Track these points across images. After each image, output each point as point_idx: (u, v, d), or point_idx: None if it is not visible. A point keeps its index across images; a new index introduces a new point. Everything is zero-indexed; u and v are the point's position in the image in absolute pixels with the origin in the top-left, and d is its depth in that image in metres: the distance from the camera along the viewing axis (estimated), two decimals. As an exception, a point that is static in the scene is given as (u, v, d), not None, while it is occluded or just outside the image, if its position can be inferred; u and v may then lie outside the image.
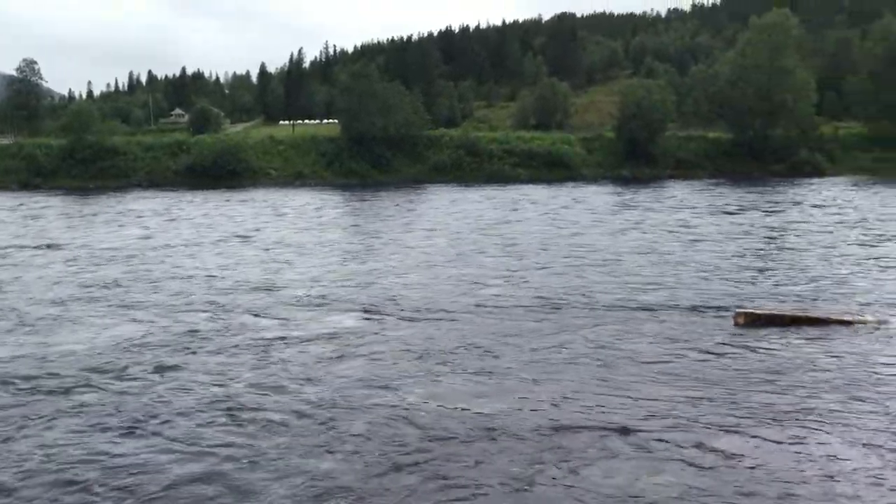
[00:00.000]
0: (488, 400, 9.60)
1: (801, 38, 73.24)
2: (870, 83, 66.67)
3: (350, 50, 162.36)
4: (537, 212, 34.69)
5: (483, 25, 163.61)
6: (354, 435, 8.51)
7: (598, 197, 43.07)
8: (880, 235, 24.67)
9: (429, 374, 10.72)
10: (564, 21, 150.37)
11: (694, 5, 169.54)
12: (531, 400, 9.58)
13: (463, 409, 9.26)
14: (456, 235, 26.68)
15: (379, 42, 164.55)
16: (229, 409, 9.34)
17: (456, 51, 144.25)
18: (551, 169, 61.11)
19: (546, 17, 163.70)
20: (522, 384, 10.21)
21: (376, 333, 13.02)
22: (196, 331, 13.25)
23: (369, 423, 8.85)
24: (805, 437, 8.30)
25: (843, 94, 75.56)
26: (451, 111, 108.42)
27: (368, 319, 14.05)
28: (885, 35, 67.70)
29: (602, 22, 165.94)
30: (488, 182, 57.43)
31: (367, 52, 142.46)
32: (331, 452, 8.08)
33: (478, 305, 15.07)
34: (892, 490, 7.09)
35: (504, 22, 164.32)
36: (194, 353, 11.89)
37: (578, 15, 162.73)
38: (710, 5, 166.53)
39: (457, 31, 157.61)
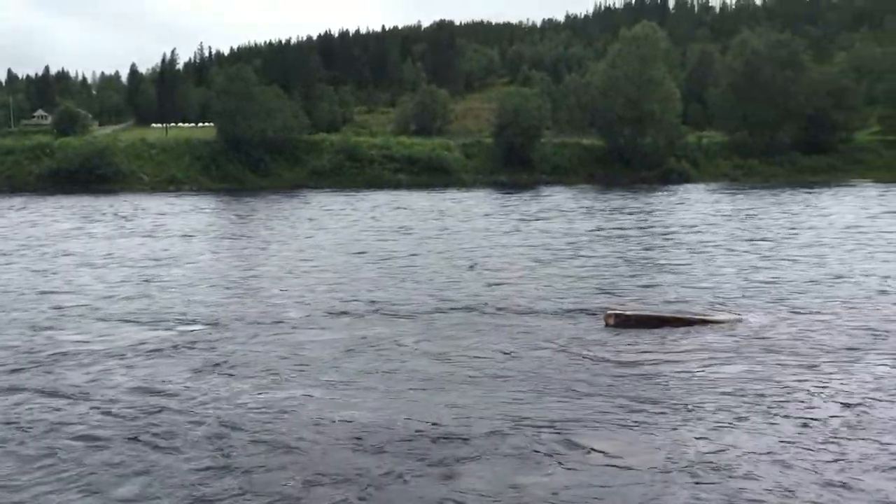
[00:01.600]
0: (358, 409, 9.49)
1: (667, 51, 76.80)
2: (730, 95, 70.51)
3: (226, 52, 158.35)
4: (412, 216, 34.81)
5: (363, 30, 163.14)
6: (192, 446, 8.22)
7: (475, 201, 43.66)
8: (739, 238, 26.06)
9: (281, 382, 10.51)
10: (443, 28, 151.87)
11: (567, 16, 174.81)
12: (404, 407, 9.53)
13: (322, 418, 9.10)
14: (323, 242, 26.41)
15: (256, 44, 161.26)
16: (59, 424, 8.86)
17: (336, 55, 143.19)
18: (431, 174, 61.56)
19: (425, 23, 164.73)
20: (390, 391, 10.16)
21: (214, 343, 12.68)
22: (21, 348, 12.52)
23: (209, 435, 8.57)
24: (673, 432, 8.61)
25: (707, 105, 79.68)
26: (331, 116, 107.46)
27: (205, 329, 13.63)
28: (743, 50, 71.82)
29: (480, 30, 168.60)
30: (369, 187, 57.25)
31: (244, 55, 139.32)
32: (162, 468, 7.76)
33: (343, 313, 14.93)
34: (753, 479, 7.43)
35: (384, 28, 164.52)
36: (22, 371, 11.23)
37: (457, 23, 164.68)
38: (582, 17, 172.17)
39: (336, 35, 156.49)
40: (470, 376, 10.70)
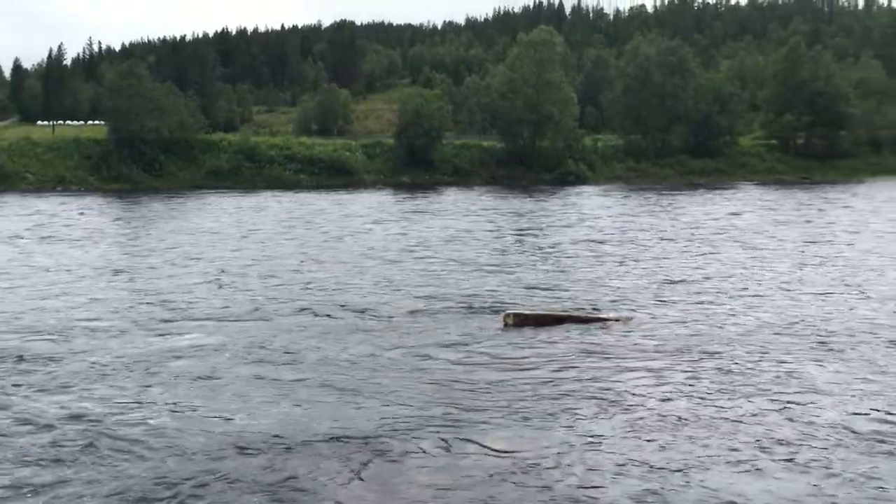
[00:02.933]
0: (245, 415, 9.47)
1: (564, 55, 78.60)
2: (624, 99, 72.78)
3: (117, 48, 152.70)
4: (310, 217, 34.58)
5: (262, 29, 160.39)
6: (88, 460, 8.08)
7: (376, 202, 43.67)
8: (632, 239, 26.97)
9: (149, 391, 10.40)
10: (344, 28, 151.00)
11: (468, 19, 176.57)
12: (298, 412, 9.56)
13: (206, 427, 9.06)
14: (215, 245, 25.98)
15: (150, 41, 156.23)
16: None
17: (233, 53, 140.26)
18: (333, 175, 61.12)
19: (326, 23, 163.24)
20: (286, 397, 10.17)
21: (100, 353, 12.41)
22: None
23: (55, 442, 8.43)
24: (563, 429, 8.95)
25: (602, 109, 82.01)
26: (229, 115, 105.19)
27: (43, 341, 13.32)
28: (636, 56, 74.23)
29: (381, 31, 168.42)
30: (269, 188, 56.38)
31: (137, 51, 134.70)
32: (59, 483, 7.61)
33: (231, 319, 14.80)
34: (649, 473, 7.82)
35: (283, 26, 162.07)
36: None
37: (358, 23, 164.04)
38: (482, 20, 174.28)
39: (234, 33, 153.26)
40: (369, 378, 10.81)
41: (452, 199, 46.01)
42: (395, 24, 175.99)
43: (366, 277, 19.03)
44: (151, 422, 9.11)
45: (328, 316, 14.73)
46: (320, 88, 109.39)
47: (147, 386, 10.50)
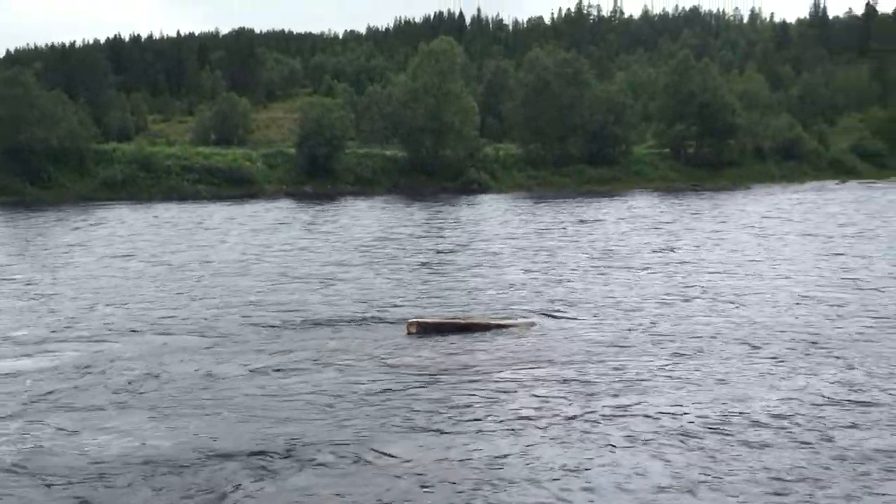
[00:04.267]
0: (142, 432, 9.28)
1: (464, 65, 79.55)
2: (523, 109, 74.18)
3: (1, 54, 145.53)
4: (211, 229, 33.87)
5: (157, 36, 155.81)
6: None
7: (277, 212, 43.10)
8: (533, 246, 27.59)
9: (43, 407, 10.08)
10: (243, 36, 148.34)
11: (369, 28, 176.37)
12: (198, 429, 9.42)
13: (106, 443, 8.84)
14: (106, 258, 25.21)
15: (36, 47, 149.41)
16: None
17: (127, 61, 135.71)
18: (233, 185, 59.98)
19: (224, 31, 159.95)
20: (181, 412, 10.00)
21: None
22: None
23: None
24: (473, 437, 9.10)
25: (502, 118, 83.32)
26: (123, 124, 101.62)
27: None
28: (534, 66, 75.83)
29: (281, 39, 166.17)
30: (166, 199, 54.85)
31: (22, 57, 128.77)
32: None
33: (111, 333, 14.43)
34: (551, 481, 8.03)
35: (179, 34, 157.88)
36: None
37: (257, 31, 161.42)
38: (383, 29, 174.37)
39: (127, 39, 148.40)
40: (269, 392, 10.72)
41: (354, 208, 45.86)
42: (295, 33, 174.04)
43: (265, 288, 18.79)
44: (4, 448, 8.78)
45: (226, 330, 14.50)
46: (219, 97, 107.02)
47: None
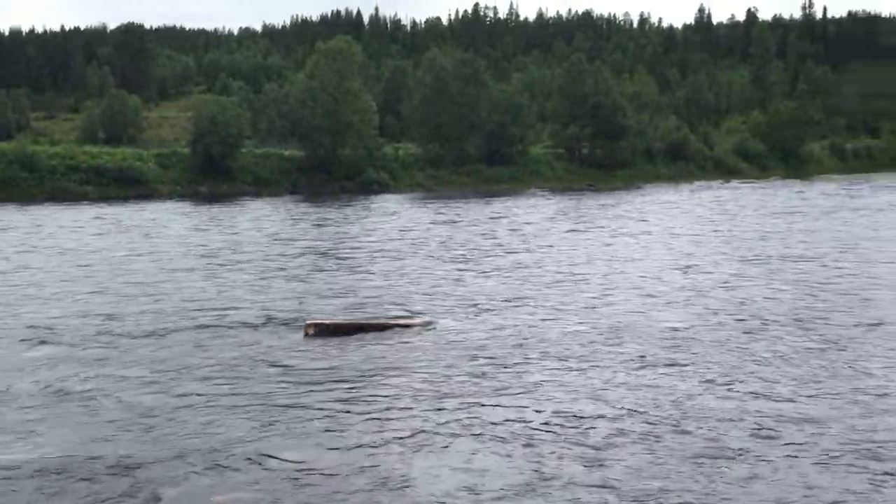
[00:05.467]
0: (46, 439, 8.97)
1: (363, 65, 79.29)
2: (422, 109, 74.53)
3: None
4: (98, 234, 32.66)
5: (39, 30, 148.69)
6: None
7: (171, 214, 41.93)
8: (432, 245, 27.78)
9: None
10: (132, 32, 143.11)
11: (265, 26, 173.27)
12: (89, 437, 9.16)
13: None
14: None
15: None
16: None
17: (6, 55, 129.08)
18: (123, 186, 57.83)
19: (112, 25, 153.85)
20: (71, 422, 9.70)
21: None
22: None
23: None
24: (373, 438, 9.17)
25: (401, 118, 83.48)
26: (3, 121, 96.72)
27: None
28: (432, 66, 76.28)
29: (173, 36, 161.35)
30: (51, 200, 52.46)
31: None
32: None
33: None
34: (442, 483, 8.18)
35: (64, 28, 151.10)
36: None
37: (147, 26, 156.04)
38: (280, 27, 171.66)
39: (7, 33, 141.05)
40: (160, 398, 10.50)
41: (251, 209, 45.06)
42: (187, 29, 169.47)
43: (156, 292, 18.30)
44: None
45: (113, 336, 14.05)
46: (107, 94, 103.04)
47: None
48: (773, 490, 7.71)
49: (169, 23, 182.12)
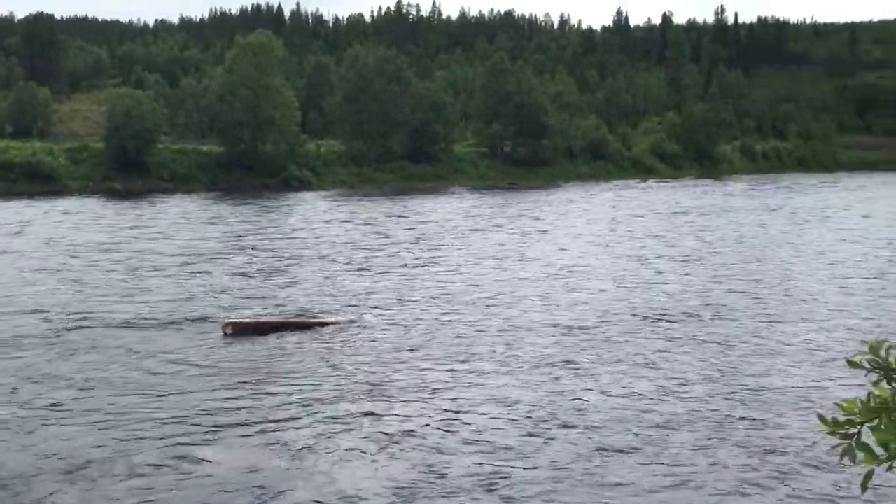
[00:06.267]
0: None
1: (284, 60, 78.22)
2: (345, 105, 74.01)
3: None
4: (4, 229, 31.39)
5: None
6: None
7: (82, 212, 40.55)
8: (354, 244, 27.64)
9: None
10: (41, 22, 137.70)
11: (182, 18, 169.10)
12: (14, 440, 8.83)
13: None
14: None
15: None
16: None
17: None
18: (32, 181, 55.64)
19: (19, 15, 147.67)
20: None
21: None
22: None
23: None
24: (283, 437, 9.09)
25: (324, 114, 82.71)
26: None
27: None
28: (355, 63, 75.83)
29: (85, 26, 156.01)
30: (-48, 196, 50.07)
31: None
32: None
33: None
34: (354, 479, 8.17)
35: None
36: None
37: (58, 16, 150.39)
38: (198, 20, 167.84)
39: None
40: (75, 398, 10.19)
41: (169, 206, 43.99)
42: (100, 20, 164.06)
43: (68, 292, 17.69)
44: None
45: (24, 337, 13.55)
46: (15, 86, 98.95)
47: None
48: (658, 485, 7.85)
49: (80, 13, 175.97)
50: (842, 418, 1.96)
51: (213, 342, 13.29)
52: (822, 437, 1.92)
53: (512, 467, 8.18)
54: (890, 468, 1.78)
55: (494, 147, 77.87)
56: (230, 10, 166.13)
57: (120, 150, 59.70)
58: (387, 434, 9.15)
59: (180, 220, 35.87)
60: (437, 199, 52.01)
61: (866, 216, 36.79)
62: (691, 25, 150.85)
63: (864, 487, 1.90)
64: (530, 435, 9.04)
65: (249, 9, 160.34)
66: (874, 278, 19.93)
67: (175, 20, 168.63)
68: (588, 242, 27.94)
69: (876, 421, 1.90)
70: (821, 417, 1.98)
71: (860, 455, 1.84)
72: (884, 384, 1.99)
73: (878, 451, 1.78)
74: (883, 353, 2.04)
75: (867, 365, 2.04)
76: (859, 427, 1.94)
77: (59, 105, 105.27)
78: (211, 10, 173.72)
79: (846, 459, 1.91)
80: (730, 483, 7.95)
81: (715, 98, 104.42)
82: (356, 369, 11.73)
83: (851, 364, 2.08)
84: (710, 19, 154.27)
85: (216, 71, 74.97)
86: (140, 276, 20.16)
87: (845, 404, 1.98)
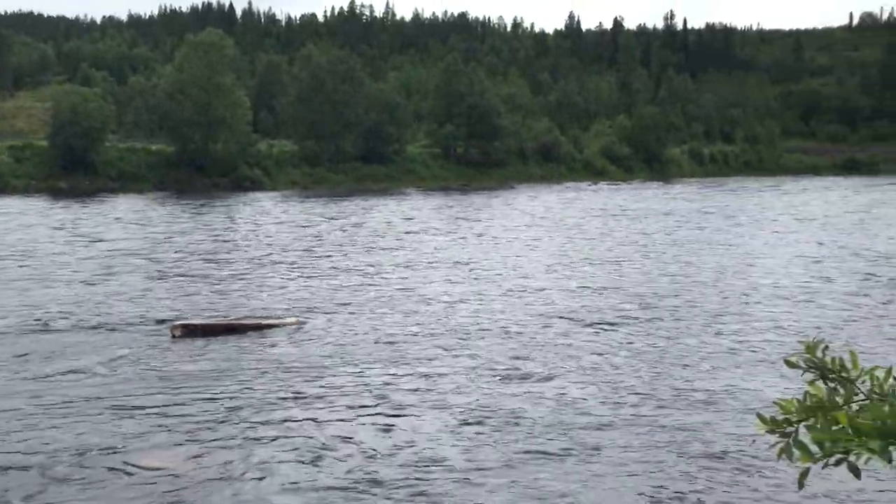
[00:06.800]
0: None
1: (235, 59, 77.36)
2: (298, 105, 73.46)
3: None
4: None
5: None
6: None
7: (26, 211, 39.56)
8: (306, 245, 27.46)
9: None
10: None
11: (131, 15, 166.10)
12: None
13: None
14: None
15: None
16: None
17: None
18: (-27, 180, 54.20)
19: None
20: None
21: None
22: None
23: None
24: (230, 440, 8.98)
25: (277, 114, 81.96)
26: None
27: None
28: (308, 63, 75.33)
29: (30, 22, 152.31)
30: None
31: None
32: None
33: None
34: (305, 477, 8.11)
35: None
36: None
37: (0, 12, 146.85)
38: (147, 17, 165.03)
39: None
40: (18, 403, 9.93)
41: (116, 205, 43.17)
42: (46, 16, 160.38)
43: (8, 295, 17.25)
44: None
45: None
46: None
47: None
48: (590, 490, 7.89)
49: (25, 8, 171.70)
50: (780, 417, 2.01)
51: (161, 344, 13.07)
52: (763, 437, 1.96)
53: (442, 472, 8.19)
54: (825, 466, 1.82)
55: (447, 148, 78.02)
56: (180, 7, 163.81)
57: (66, 149, 58.42)
58: (322, 439, 9.09)
59: (128, 220, 35.21)
60: (389, 200, 51.91)
61: (803, 220, 37.70)
62: (641, 30, 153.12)
63: (800, 485, 1.95)
64: (463, 439, 9.06)
65: (200, 6, 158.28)
66: (810, 280, 20.43)
67: (123, 17, 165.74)
68: (531, 245, 28.11)
69: (812, 420, 1.95)
70: (760, 416, 2.03)
71: (797, 453, 1.88)
72: (819, 383, 2.05)
73: (814, 449, 1.82)
74: (819, 353, 2.10)
75: (804, 365, 2.10)
76: (796, 426, 1.99)
77: (2, 102, 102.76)
78: (160, 7, 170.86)
79: (784, 458, 1.96)
80: (666, 485, 8.06)
81: (664, 102, 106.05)
82: (300, 372, 11.65)
83: (789, 364, 2.14)
84: (660, 25, 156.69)
85: (166, 69, 73.76)
86: (86, 277, 19.74)
87: (783, 403, 2.02)
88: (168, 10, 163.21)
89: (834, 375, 2.09)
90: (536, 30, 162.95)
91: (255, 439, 8.95)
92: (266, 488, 7.71)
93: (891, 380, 2.03)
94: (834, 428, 1.85)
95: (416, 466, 8.31)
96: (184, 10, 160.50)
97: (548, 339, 13.94)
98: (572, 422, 9.70)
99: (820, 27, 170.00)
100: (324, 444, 8.84)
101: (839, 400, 1.99)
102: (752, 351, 13.21)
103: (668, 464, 8.48)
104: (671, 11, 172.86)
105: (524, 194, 58.20)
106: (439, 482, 7.91)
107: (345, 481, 7.86)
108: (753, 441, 7.28)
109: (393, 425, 9.50)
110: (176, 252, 25.05)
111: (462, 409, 10.11)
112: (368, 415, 9.88)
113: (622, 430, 9.43)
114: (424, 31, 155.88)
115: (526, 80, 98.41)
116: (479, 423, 9.61)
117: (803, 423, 1.97)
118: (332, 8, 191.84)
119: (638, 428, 9.52)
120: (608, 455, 8.70)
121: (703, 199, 52.15)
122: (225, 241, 28.24)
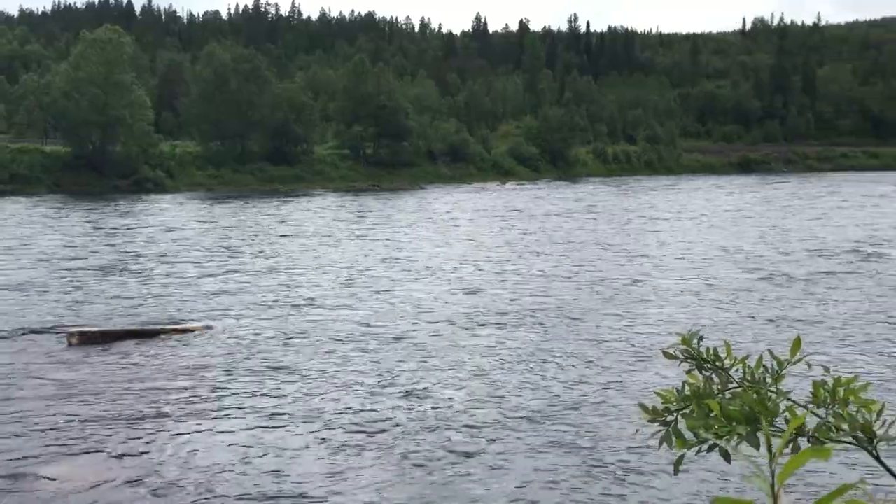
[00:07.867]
0: None
1: (134, 56, 74.91)
2: (201, 105, 71.71)
3: None
4: None
5: None
6: None
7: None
8: (210, 249, 26.86)
9: None
10: None
11: (23, 11, 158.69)
12: None
13: None
14: None
15: None
16: None
17: None
18: None
19: None
20: None
21: None
22: None
23: None
24: (131, 451, 8.72)
25: (179, 114, 79.77)
26: None
27: None
28: (212, 61, 73.63)
29: None
30: None
31: None
32: None
33: None
34: (221, 480, 7.95)
35: None
36: None
37: None
38: (40, 13, 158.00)
39: None
40: None
41: (7, 209, 41.17)
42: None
43: None
44: None
45: None
46: None
47: None
48: (499, 486, 8.02)
49: None
50: (660, 407, 2.09)
51: (56, 352, 12.56)
52: (647, 426, 2.04)
53: (340, 479, 8.18)
54: (699, 452, 1.91)
55: (356, 149, 77.61)
56: (75, 3, 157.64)
57: (-50, 150, 55.48)
58: (224, 448, 8.94)
59: (20, 224, 33.64)
60: (297, 201, 51.28)
61: (695, 217, 39.11)
62: (547, 32, 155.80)
63: (675, 470, 2.04)
64: (334, 449, 9.04)
65: (97, 2, 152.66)
66: (695, 276, 21.19)
67: (14, 12, 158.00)
68: (433, 246, 28.22)
69: (689, 408, 2.04)
70: (642, 406, 2.11)
71: (673, 440, 1.97)
72: (696, 373, 2.15)
73: (689, 436, 1.91)
74: (695, 343, 2.20)
75: (680, 356, 2.20)
76: (676, 414, 2.08)
77: None
78: (54, 2, 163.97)
79: (665, 445, 2.04)
80: (558, 481, 8.22)
81: (569, 103, 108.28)
82: (201, 379, 11.41)
83: (667, 355, 2.23)
84: (565, 27, 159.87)
85: (60, 67, 70.74)
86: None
87: (663, 393, 2.11)
88: (62, 5, 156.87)
89: (709, 365, 2.19)
90: (444, 31, 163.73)
91: (147, 452, 8.72)
92: (161, 497, 7.52)
93: (761, 368, 2.14)
94: (709, 416, 1.94)
95: (316, 473, 8.28)
96: (79, 5, 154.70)
97: (435, 343, 13.96)
98: (463, 421, 9.78)
99: (715, 31, 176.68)
100: (218, 454, 8.69)
101: (715, 388, 2.09)
102: (631, 345, 13.61)
103: (553, 460, 8.63)
104: (574, 14, 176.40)
105: (433, 195, 58.47)
106: (307, 487, 7.87)
107: (234, 491, 7.74)
108: (637, 431, 7.50)
109: (294, 431, 9.41)
110: (71, 256, 24.08)
111: (353, 413, 10.13)
112: (264, 420, 9.76)
113: (508, 431, 9.51)
114: (331, 31, 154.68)
115: (434, 81, 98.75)
116: (357, 431, 9.57)
117: (681, 412, 2.06)
118: (237, 6, 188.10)
119: (525, 424, 9.69)
120: (502, 455, 8.80)
121: (599, 198, 53.50)
122: (124, 245, 27.31)
